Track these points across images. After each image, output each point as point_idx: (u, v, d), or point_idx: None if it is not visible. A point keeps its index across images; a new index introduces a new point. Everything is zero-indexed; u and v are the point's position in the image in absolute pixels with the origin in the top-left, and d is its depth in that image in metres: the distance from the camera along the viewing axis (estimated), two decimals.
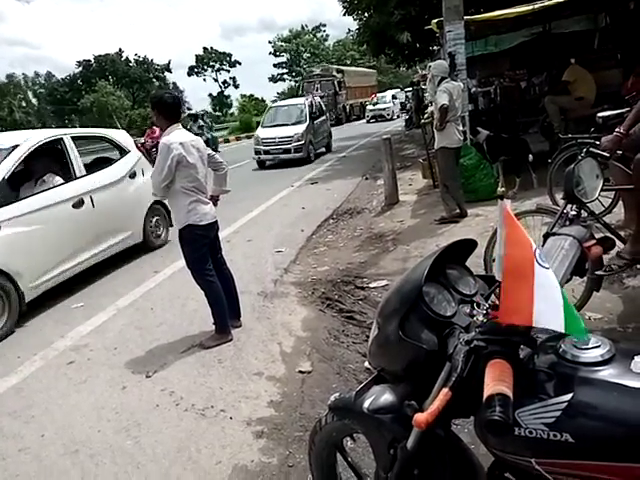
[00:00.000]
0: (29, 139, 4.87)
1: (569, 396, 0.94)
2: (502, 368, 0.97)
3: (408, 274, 1.29)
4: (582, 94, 6.74)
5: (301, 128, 13.72)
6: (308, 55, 60.51)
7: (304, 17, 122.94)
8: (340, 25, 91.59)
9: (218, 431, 2.59)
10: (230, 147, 23.82)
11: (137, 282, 5.04)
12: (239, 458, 2.37)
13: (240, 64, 62.36)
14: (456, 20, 6.44)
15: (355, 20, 15.80)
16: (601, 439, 0.91)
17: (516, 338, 1.02)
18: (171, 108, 3.42)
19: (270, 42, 62.90)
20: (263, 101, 46.42)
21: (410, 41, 11.50)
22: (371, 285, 4.26)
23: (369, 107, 29.46)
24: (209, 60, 61.62)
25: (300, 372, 3.07)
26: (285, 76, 62.19)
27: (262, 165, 14.01)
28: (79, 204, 5.01)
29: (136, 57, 55.47)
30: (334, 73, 30.37)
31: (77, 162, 5.25)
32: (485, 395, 0.93)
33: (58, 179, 5.02)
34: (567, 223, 2.37)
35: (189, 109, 58.37)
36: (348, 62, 51.10)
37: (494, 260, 1.17)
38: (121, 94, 49.60)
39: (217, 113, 58.37)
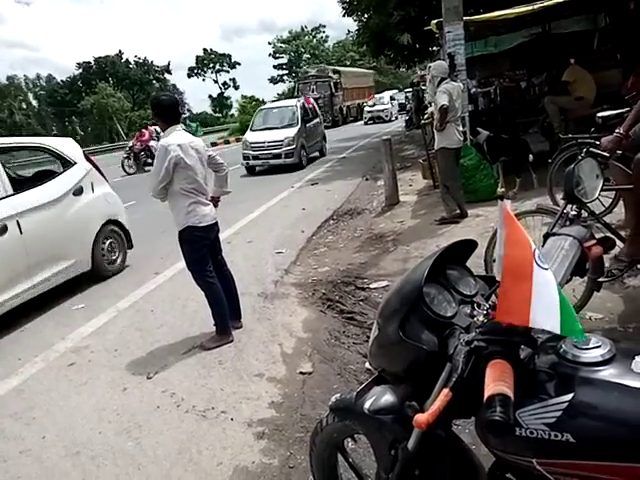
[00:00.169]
0: None
1: (570, 396, 0.94)
2: (503, 368, 0.97)
3: (408, 275, 1.29)
4: (582, 94, 6.74)
5: (292, 131, 12.95)
6: (308, 56, 60.66)
7: (304, 18, 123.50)
8: (340, 26, 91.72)
9: (219, 432, 2.59)
10: (230, 148, 23.81)
11: (138, 284, 5.05)
12: (240, 459, 2.37)
13: (240, 65, 62.61)
14: (455, 21, 6.45)
15: (355, 21, 15.83)
16: (602, 439, 0.91)
17: (516, 338, 1.02)
18: (169, 110, 3.43)
19: (270, 43, 63.23)
20: (264, 102, 46.43)
21: (410, 42, 11.49)
22: (372, 286, 4.26)
23: (367, 108, 28.92)
24: (209, 61, 61.75)
25: (301, 373, 3.07)
26: (285, 77, 62.38)
27: (252, 171, 13.10)
28: (2, 231, 4.20)
29: (136, 59, 55.80)
30: (330, 74, 29.78)
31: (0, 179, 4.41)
32: (486, 395, 0.92)
33: None
34: (567, 223, 2.37)
35: (189, 110, 58.61)
36: (348, 63, 51.20)
37: (494, 260, 1.18)
38: (121, 96, 49.73)
39: (217, 114, 58.46)
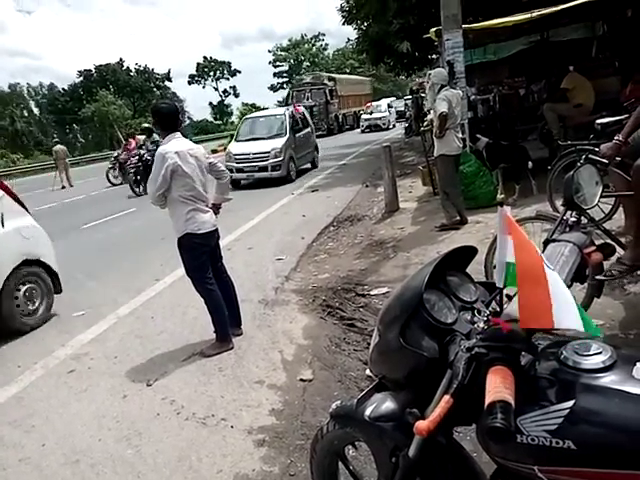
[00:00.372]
0: None
1: (571, 403, 0.94)
2: (503, 375, 0.96)
3: (409, 281, 1.29)
4: (581, 101, 6.77)
5: (280, 142, 12.03)
6: (308, 64, 60.96)
7: (303, 27, 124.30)
8: (339, 34, 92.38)
9: (219, 440, 2.58)
10: None
11: (138, 291, 5.04)
12: (240, 467, 2.36)
13: (240, 73, 62.92)
14: (454, 29, 6.49)
15: (354, 29, 15.90)
16: (603, 446, 0.91)
17: (517, 345, 1.02)
18: (168, 117, 3.44)
19: (270, 51, 63.57)
20: (265, 109, 46.63)
21: (409, 50, 11.54)
22: (372, 292, 4.25)
23: (364, 116, 27.89)
24: (209, 69, 62.06)
25: (301, 380, 3.06)
26: (285, 85, 62.53)
27: (236, 185, 11.58)
28: None
29: (137, 66, 55.98)
30: (325, 81, 28.91)
31: None
32: (486, 402, 0.92)
33: None
34: (567, 230, 2.38)
35: (190, 118, 58.81)
36: (348, 71, 51.47)
37: (495, 267, 1.17)
38: (122, 103, 49.89)
39: (218, 122, 58.67)
